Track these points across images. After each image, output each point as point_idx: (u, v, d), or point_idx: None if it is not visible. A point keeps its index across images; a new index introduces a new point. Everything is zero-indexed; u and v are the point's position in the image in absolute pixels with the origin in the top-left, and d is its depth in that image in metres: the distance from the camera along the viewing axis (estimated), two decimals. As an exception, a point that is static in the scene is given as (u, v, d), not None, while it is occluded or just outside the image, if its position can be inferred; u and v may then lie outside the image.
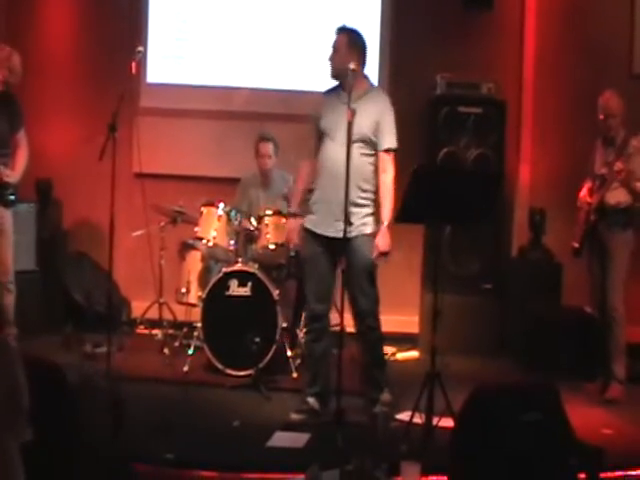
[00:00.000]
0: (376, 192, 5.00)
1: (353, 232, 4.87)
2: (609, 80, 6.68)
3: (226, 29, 7.57)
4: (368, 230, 4.97)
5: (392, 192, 4.91)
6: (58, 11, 7.67)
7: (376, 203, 5.02)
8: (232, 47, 7.56)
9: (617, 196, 5.64)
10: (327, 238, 4.95)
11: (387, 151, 4.98)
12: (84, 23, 7.64)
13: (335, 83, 5.13)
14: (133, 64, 5.21)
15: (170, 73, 7.61)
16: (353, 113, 4.72)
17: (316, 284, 5.04)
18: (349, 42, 5.03)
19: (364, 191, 4.96)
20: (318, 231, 5.00)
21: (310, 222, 5.06)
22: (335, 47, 5.05)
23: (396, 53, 7.46)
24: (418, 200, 4.55)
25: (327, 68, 5.09)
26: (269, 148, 6.53)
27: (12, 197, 5.75)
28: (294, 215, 5.23)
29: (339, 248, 4.84)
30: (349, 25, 5.14)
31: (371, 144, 4.96)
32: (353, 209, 4.86)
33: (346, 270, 4.91)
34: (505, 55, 7.55)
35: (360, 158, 4.92)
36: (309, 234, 5.06)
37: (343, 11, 7.34)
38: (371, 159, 4.98)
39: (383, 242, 4.89)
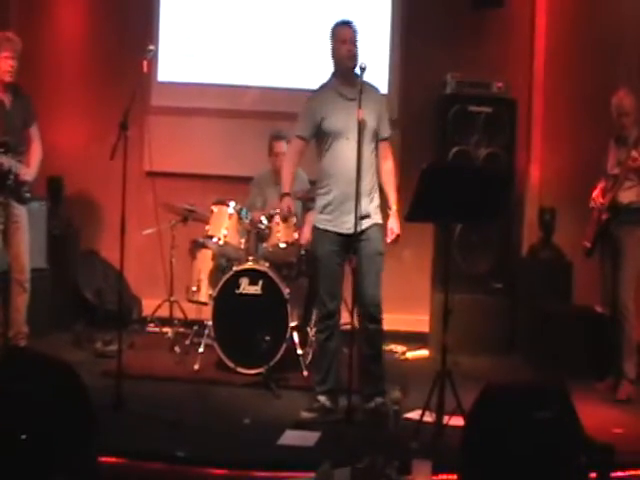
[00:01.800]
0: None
1: (369, 222, 4.99)
2: (620, 79, 6.67)
3: (237, 28, 7.58)
4: (379, 220, 5.06)
5: (394, 178, 5.08)
6: (69, 10, 7.70)
7: (380, 192, 5.13)
8: (243, 46, 7.57)
9: (630, 195, 5.64)
10: (341, 235, 4.97)
11: (386, 139, 5.12)
12: (95, 22, 7.67)
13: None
14: (144, 63, 5.21)
15: (181, 72, 7.62)
16: (362, 112, 4.78)
17: (330, 282, 5.05)
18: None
19: (375, 183, 5.07)
20: (334, 230, 5.01)
21: (324, 222, 5.07)
22: (357, 41, 5.08)
23: (406, 52, 7.46)
24: (428, 199, 4.55)
25: (354, 61, 4.99)
26: (283, 146, 6.54)
27: (28, 194, 5.76)
28: (287, 195, 5.18)
29: (354, 242, 4.87)
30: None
31: (376, 135, 5.07)
32: (370, 204, 5.01)
33: (357, 259, 4.95)
34: (515, 54, 7.54)
35: (372, 153, 5.04)
36: (323, 233, 5.07)
37: (354, 10, 7.33)
38: (375, 151, 5.08)
39: (396, 225, 4.99)
